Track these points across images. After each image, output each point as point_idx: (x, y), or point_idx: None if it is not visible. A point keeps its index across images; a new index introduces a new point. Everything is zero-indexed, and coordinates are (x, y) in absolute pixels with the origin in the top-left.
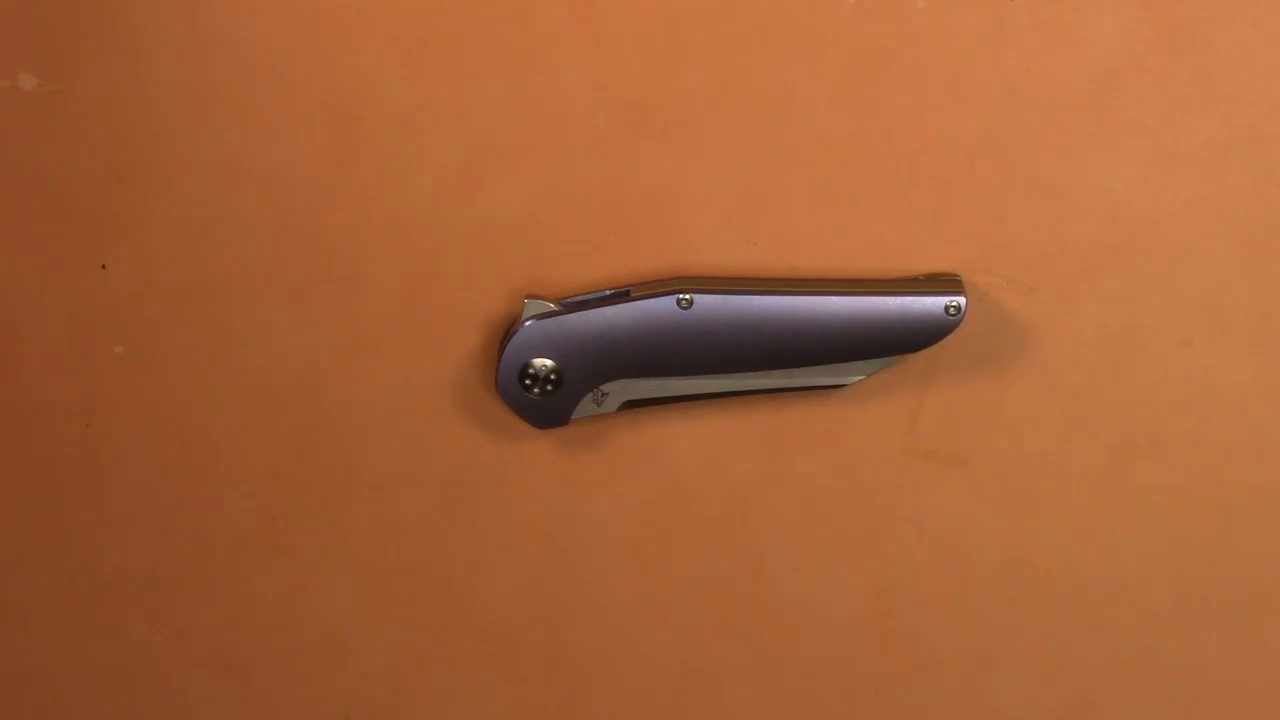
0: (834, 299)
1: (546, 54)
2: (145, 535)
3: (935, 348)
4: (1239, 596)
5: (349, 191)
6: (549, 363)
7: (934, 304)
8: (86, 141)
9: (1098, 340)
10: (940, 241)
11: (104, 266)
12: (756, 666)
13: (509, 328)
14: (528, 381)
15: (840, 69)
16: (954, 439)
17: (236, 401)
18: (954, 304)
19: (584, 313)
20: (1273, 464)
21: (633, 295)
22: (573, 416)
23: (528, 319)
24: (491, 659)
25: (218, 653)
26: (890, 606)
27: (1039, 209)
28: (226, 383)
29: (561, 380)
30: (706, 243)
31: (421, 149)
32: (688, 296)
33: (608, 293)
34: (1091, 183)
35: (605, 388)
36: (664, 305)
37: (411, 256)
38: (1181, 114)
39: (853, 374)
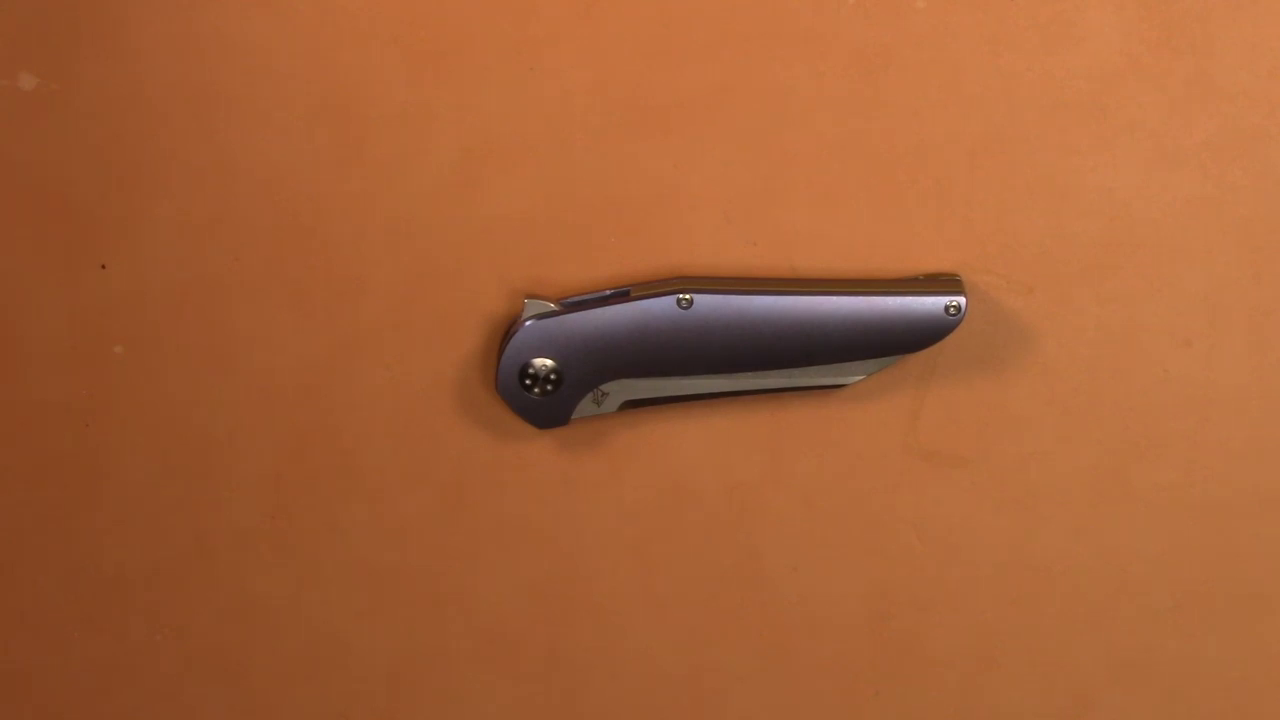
0: (834, 299)
1: (546, 54)
2: (145, 535)
3: (935, 348)
4: (1239, 596)
5: (349, 191)
6: (549, 363)
7: (934, 304)
8: (86, 141)
9: (1098, 340)
10: (940, 241)
11: (104, 266)
12: (756, 666)
13: (509, 328)
14: (528, 381)
15: (840, 69)
16: (954, 439)
17: (236, 401)
18: (954, 304)
19: (584, 313)
20: (1273, 464)
21: (633, 295)
22: (573, 416)
23: (528, 319)
24: (491, 659)
25: (218, 653)
26: (890, 607)
27: (1039, 209)
28: (226, 383)
29: (561, 380)
30: (706, 243)
31: (421, 149)
32: (688, 296)
33: (608, 293)
34: (1091, 183)
35: (605, 388)
36: (664, 305)
37: (411, 256)
38: (1181, 114)
39: (853, 374)
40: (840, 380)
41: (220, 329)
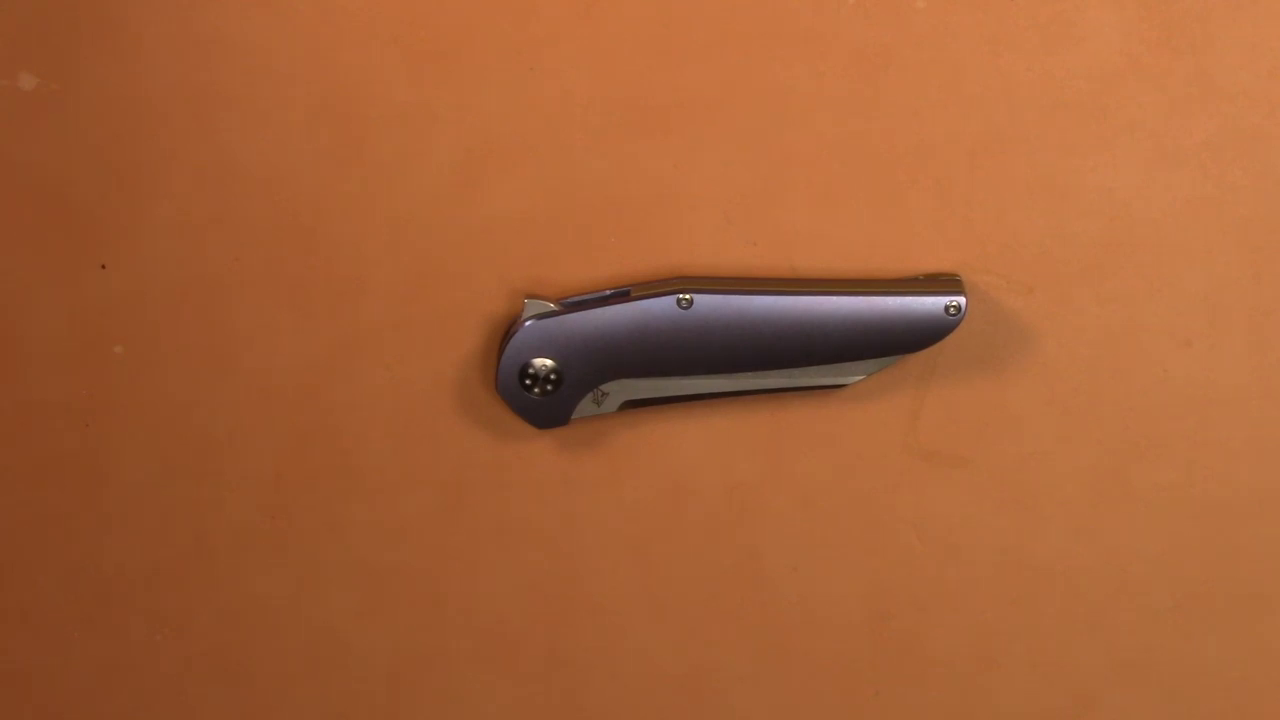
0: (834, 299)
1: (546, 54)
2: (145, 535)
3: (935, 348)
4: (1239, 596)
5: (349, 191)
6: (549, 363)
7: (934, 304)
8: (86, 141)
9: (1098, 340)
10: (940, 241)
11: (104, 266)
12: (756, 666)
13: (509, 328)
14: (528, 381)
15: (840, 69)
16: (954, 439)
17: (236, 401)
18: (954, 304)
19: (584, 313)
20: (1273, 464)
21: (633, 295)
22: (573, 416)
23: (528, 319)
24: (491, 659)
25: (218, 653)
26: (890, 606)
27: (1039, 209)
28: (226, 383)
29: (561, 380)
30: (706, 243)
31: (421, 149)
32: (688, 296)
33: (608, 293)
34: (1091, 183)
35: (605, 388)
36: (664, 305)
37: (411, 256)
38: (1181, 114)
39: (853, 374)
40: (840, 380)
41: (220, 329)
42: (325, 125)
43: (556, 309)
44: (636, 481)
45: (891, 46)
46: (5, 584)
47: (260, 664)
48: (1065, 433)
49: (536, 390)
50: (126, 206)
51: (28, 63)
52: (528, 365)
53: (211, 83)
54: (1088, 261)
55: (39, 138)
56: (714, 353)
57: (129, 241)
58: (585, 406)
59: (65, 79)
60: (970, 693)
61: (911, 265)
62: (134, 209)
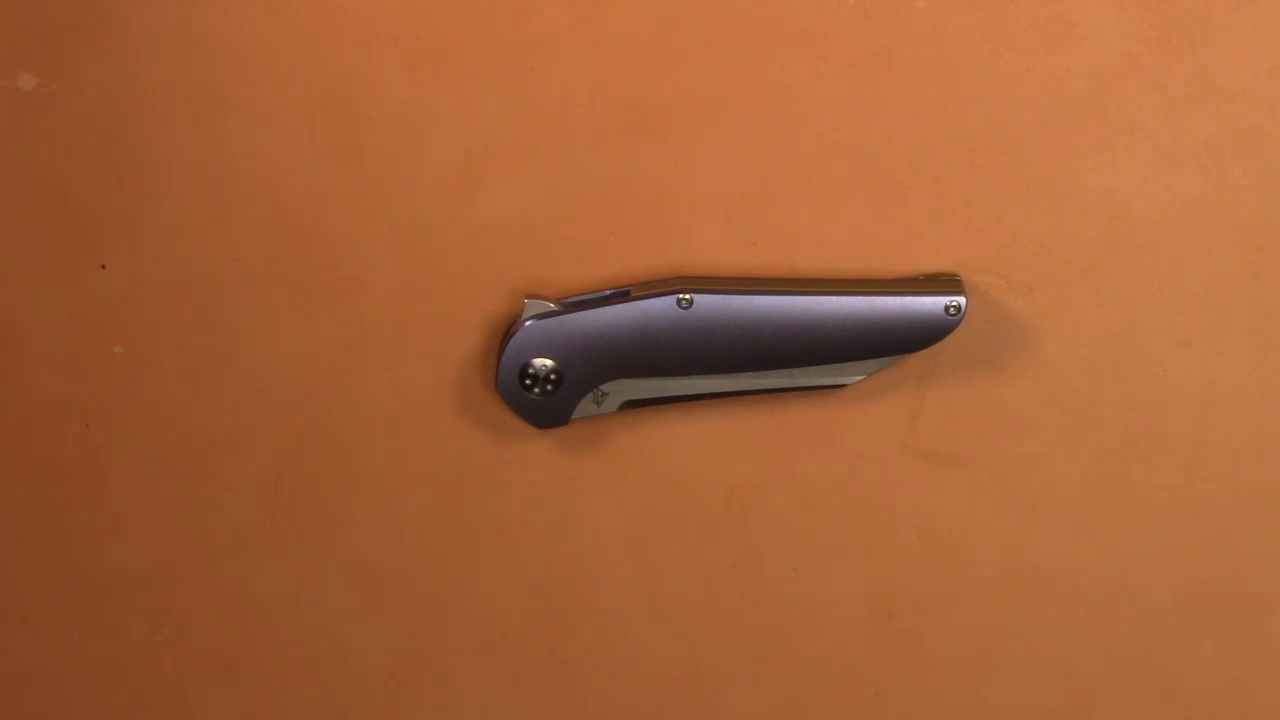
0: (834, 299)
1: (546, 54)
2: (145, 535)
3: (935, 348)
4: (1239, 596)
5: (349, 191)
6: (549, 363)
7: (934, 304)
8: (86, 141)
9: (1098, 340)
10: (940, 241)
11: (104, 266)
12: (756, 666)
13: (509, 328)
14: (528, 381)
15: (840, 69)
16: (954, 439)
17: (236, 401)
18: (954, 304)
19: (584, 313)
20: (1273, 464)
21: (633, 295)
22: (573, 416)
23: (528, 319)
24: (491, 659)
25: (218, 653)
26: (890, 606)
27: (1039, 209)
28: (226, 383)
29: (561, 380)
30: (706, 243)
31: (421, 149)
32: (688, 296)
33: (608, 293)
34: (1091, 183)
35: (605, 388)
36: (664, 305)
37: (411, 256)
38: (1181, 114)
39: (853, 374)
40: (840, 380)
41: (220, 329)
42: (325, 125)
43: (556, 309)
44: (636, 481)
45: (891, 46)
46: (5, 584)
47: (260, 664)
48: (1065, 433)
49: (536, 390)
50: (126, 206)
51: (28, 63)
52: (528, 365)
53: (211, 83)
54: (1088, 261)
55: (39, 138)
56: (714, 353)
57: (129, 241)
58: (585, 406)
59: (65, 79)
60: (970, 693)
61: (911, 265)
62: (134, 209)
